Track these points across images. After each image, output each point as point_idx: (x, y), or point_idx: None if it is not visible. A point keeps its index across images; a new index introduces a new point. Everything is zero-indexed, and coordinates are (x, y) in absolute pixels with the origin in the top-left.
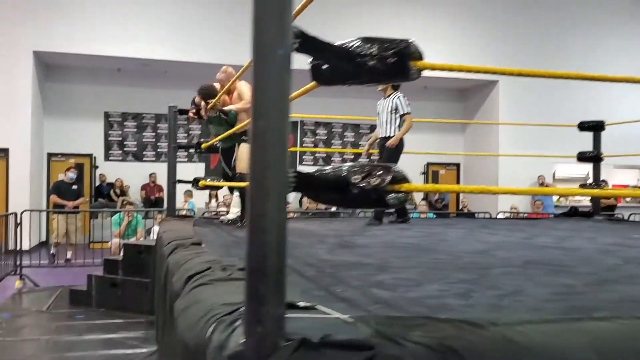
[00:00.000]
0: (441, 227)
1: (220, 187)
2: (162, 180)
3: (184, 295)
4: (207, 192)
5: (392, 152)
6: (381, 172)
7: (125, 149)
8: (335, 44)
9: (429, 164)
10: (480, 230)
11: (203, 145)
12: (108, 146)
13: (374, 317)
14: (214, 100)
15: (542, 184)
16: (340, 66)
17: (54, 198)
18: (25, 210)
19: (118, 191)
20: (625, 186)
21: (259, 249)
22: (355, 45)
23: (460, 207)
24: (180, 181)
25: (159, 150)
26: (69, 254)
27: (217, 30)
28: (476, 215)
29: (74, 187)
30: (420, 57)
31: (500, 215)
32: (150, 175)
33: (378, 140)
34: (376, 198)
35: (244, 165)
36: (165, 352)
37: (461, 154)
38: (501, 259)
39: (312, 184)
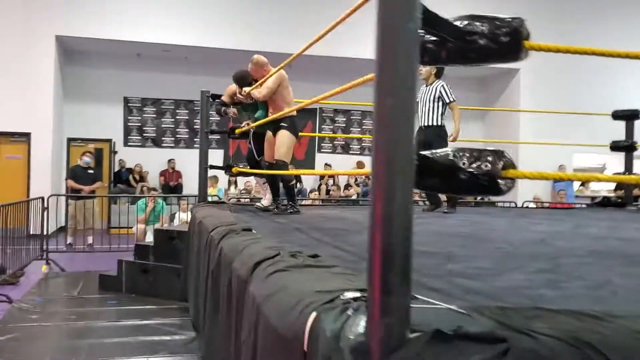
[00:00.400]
0: (480, 216)
1: (249, 174)
2: (181, 167)
3: (260, 282)
4: (226, 178)
5: (440, 144)
6: (492, 157)
7: (144, 134)
8: (450, 21)
9: None
10: (521, 219)
11: (237, 131)
12: (127, 131)
13: (486, 308)
14: (250, 89)
15: None
16: (451, 44)
17: (70, 183)
18: (52, 195)
19: (137, 177)
20: None
21: (386, 236)
22: (466, 23)
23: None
24: (212, 167)
25: (177, 136)
26: (89, 239)
27: (239, 15)
28: (496, 204)
29: (90, 171)
30: (529, 36)
31: (529, 205)
32: (169, 161)
33: (418, 130)
34: (487, 184)
35: (283, 152)
36: (216, 339)
37: (485, 141)
38: (564, 249)
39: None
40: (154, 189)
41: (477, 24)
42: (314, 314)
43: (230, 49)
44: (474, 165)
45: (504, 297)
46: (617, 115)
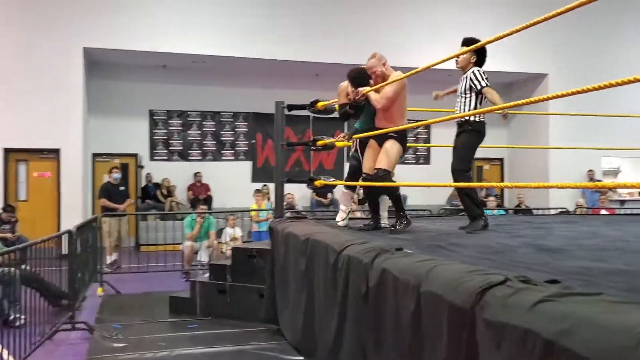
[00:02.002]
0: (563, 225)
1: (332, 187)
2: (208, 179)
3: (516, 311)
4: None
5: (466, 145)
6: None
7: (170, 148)
8: None
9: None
10: (610, 226)
11: (320, 143)
12: (153, 145)
13: None
14: (366, 89)
15: (591, 179)
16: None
17: (104, 202)
18: (106, 215)
19: (165, 192)
20: None
21: None
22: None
23: (518, 202)
24: (291, 180)
25: (204, 148)
26: (114, 256)
27: (266, 25)
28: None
29: (122, 188)
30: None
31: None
32: (196, 174)
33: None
34: None
35: (386, 161)
36: None
37: (514, 147)
38: None
39: None
40: (203, 204)
41: None
42: None
43: (256, 58)
44: None
45: None
46: None
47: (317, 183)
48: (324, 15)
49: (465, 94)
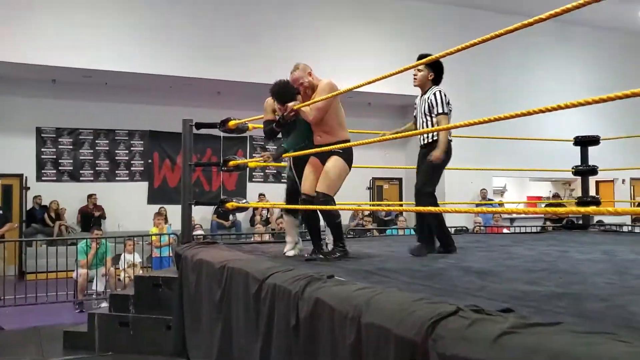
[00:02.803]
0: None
1: (242, 210)
2: (102, 201)
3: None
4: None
5: (434, 166)
6: None
7: (60, 167)
8: None
9: (374, 179)
10: (521, 246)
11: (232, 163)
12: (41, 165)
13: None
14: (298, 105)
15: (484, 198)
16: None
17: None
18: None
19: (53, 215)
20: (539, 197)
21: None
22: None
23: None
24: (199, 203)
25: (97, 168)
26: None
27: (163, 40)
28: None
29: None
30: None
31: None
32: (90, 196)
33: (419, 150)
34: None
35: (328, 183)
36: None
37: (411, 168)
38: None
39: None
40: (98, 228)
41: None
42: None
43: (154, 74)
44: None
45: None
46: (578, 141)
47: (229, 205)
48: (228, 30)
49: (426, 116)
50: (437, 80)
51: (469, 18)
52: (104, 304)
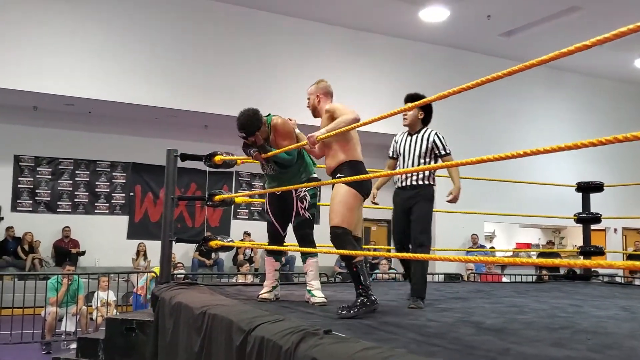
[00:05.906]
0: (476, 294)
1: (228, 248)
2: (79, 235)
3: None
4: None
5: (430, 209)
6: None
7: (36, 198)
8: None
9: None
10: (526, 297)
11: (217, 198)
12: (17, 194)
13: None
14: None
15: (475, 243)
16: None
17: None
18: None
19: (27, 247)
20: (529, 244)
21: None
22: None
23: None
24: (181, 240)
25: (76, 200)
26: None
27: (150, 69)
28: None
29: None
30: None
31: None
32: (64, 229)
33: (397, 191)
34: None
35: (341, 214)
36: None
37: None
38: None
39: None
40: (70, 264)
41: None
42: None
43: (139, 104)
44: None
45: None
46: (581, 186)
47: (212, 244)
48: (216, 63)
49: (425, 156)
50: (426, 120)
51: (459, 60)
52: (73, 346)
